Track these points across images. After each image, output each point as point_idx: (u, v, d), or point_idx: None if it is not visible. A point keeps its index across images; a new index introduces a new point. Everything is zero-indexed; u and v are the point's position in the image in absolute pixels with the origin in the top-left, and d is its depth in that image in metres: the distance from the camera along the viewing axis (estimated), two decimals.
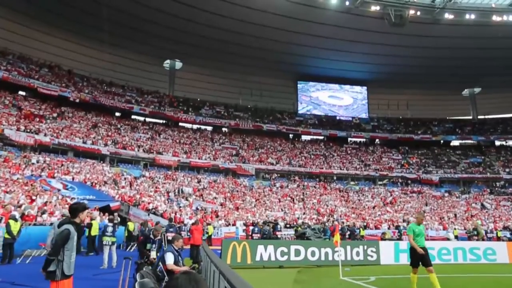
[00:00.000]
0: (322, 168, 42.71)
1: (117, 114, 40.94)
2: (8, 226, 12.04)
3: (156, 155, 35.80)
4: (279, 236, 21.58)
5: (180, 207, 27.74)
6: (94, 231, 15.50)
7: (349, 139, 50.28)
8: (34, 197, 18.72)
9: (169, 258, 6.53)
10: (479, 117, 54.16)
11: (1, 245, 12.17)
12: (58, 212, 17.25)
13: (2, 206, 15.32)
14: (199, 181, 34.74)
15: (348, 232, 21.35)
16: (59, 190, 22.68)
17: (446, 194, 41.38)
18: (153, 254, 8.58)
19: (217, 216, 27.01)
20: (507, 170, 44.36)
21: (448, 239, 24.14)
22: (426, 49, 41.47)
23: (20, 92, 34.85)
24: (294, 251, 14.22)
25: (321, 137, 49.56)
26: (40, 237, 13.95)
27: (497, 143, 50.96)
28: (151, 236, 9.56)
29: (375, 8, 35.95)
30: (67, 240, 4.92)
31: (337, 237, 12.62)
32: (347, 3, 35.47)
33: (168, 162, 35.87)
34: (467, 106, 55.16)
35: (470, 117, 54.83)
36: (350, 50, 43.17)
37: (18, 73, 34.52)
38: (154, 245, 9.04)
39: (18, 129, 28.64)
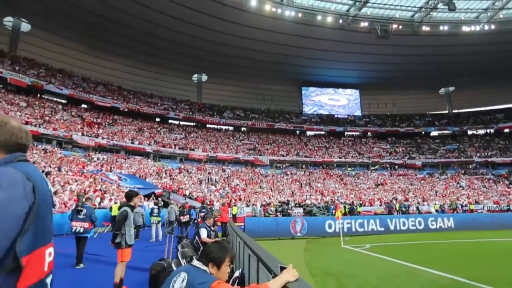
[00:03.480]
0: (324, 158, 42.38)
1: (157, 119, 41.37)
2: None
3: (189, 151, 36.19)
4: (291, 213, 21.66)
5: (210, 192, 28.06)
6: (115, 212, 15.27)
7: (346, 133, 49.58)
8: (97, 187, 19.27)
9: (203, 233, 6.68)
10: (453, 111, 52.68)
11: None
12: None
13: (74, 194, 15.87)
14: (224, 171, 35.03)
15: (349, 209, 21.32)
16: (115, 181, 23.22)
17: (428, 176, 40.49)
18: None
19: (240, 199, 27.19)
20: (478, 154, 43.08)
21: (430, 212, 23.80)
22: (408, 56, 40.54)
23: (83, 105, 35.70)
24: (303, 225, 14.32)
25: (323, 132, 49.09)
26: (103, 218, 14.41)
27: (470, 132, 49.39)
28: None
29: (363, 24, 35.25)
30: (126, 218, 5.16)
31: (338, 213, 12.63)
32: (340, 21, 34.87)
33: (199, 156, 36.22)
34: (444, 102, 53.72)
35: (446, 112, 53.36)
36: (344, 60, 42.57)
37: (81, 90, 35.45)
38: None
39: (82, 134, 29.41)
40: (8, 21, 33.54)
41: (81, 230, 7.36)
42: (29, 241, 1.20)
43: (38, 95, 32.39)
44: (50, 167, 20.37)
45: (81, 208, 7.53)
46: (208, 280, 1.73)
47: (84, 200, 7.95)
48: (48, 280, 1.33)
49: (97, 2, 30.24)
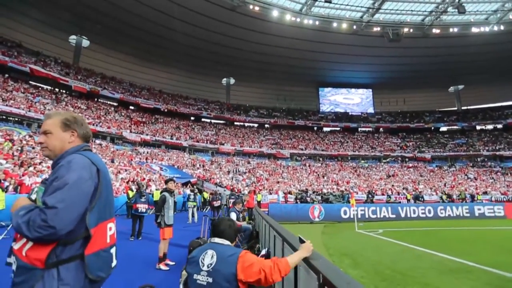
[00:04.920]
0: (339, 151, 41.44)
1: (192, 118, 41.90)
2: (127, 194, 13.00)
3: (219, 145, 36.57)
4: (309, 201, 21.42)
5: (237, 181, 28.32)
6: (156, 197, 15.70)
7: (359, 129, 48.03)
8: (143, 176, 19.98)
9: (233, 216, 6.76)
10: (462, 108, 49.53)
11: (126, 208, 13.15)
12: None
13: (124, 182, 16.57)
14: (249, 163, 35.16)
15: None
16: (157, 171, 24.00)
17: (437, 168, 38.48)
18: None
19: (263, 188, 27.17)
20: (486, 148, 40.31)
21: (440, 201, 22.71)
22: (418, 57, 38.45)
23: (130, 107, 36.87)
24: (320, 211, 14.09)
25: (338, 128, 47.93)
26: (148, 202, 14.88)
27: (478, 127, 46.22)
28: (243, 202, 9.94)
29: (376, 29, 33.84)
30: (164, 202, 5.34)
31: (353, 201, 12.35)
32: (354, 27, 33.71)
33: (228, 150, 36.50)
34: (453, 99, 50.56)
35: (455, 108, 50.22)
36: (357, 62, 41.15)
37: (129, 94, 36.75)
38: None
39: (130, 131, 30.54)
40: (72, 38, 35.60)
41: (144, 210, 8.24)
42: (95, 215, 1.29)
43: (95, 99, 33.97)
44: (105, 159, 21.38)
45: (144, 194, 8.45)
46: (235, 251, 1.77)
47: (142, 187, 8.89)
48: (113, 251, 1.41)
49: (143, 20, 31.07)
